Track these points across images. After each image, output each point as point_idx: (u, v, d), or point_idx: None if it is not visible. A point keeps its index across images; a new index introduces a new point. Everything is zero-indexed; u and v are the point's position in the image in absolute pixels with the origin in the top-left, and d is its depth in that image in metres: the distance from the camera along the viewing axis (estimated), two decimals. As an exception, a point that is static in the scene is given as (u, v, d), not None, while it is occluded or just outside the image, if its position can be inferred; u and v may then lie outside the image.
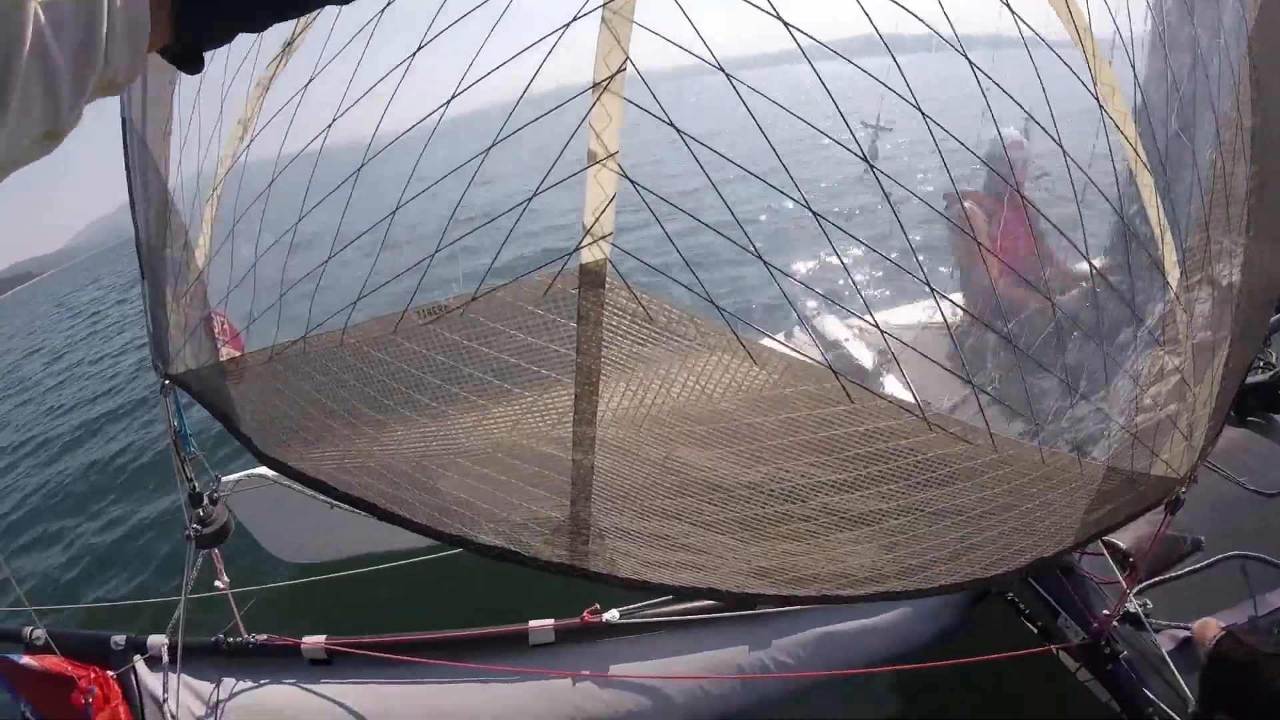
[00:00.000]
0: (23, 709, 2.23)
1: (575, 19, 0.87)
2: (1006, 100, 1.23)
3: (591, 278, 0.97)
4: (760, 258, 0.91)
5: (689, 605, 2.42)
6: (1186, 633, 1.94)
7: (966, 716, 2.52)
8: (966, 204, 2.86)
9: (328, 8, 0.65)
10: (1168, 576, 2.12)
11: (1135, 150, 1.16)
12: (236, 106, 1.38)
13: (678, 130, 0.90)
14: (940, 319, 1.44)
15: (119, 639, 2.33)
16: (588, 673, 2.32)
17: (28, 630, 2.32)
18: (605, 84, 0.89)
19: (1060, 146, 1.06)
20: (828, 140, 1.27)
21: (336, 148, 1.19)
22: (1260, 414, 2.61)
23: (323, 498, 1.35)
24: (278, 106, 1.27)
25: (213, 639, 2.35)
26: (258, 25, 0.62)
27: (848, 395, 1.07)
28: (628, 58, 0.88)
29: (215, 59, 1.29)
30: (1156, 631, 1.95)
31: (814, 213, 0.99)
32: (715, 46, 0.92)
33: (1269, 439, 2.53)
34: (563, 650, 2.36)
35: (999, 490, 1.29)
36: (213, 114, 1.40)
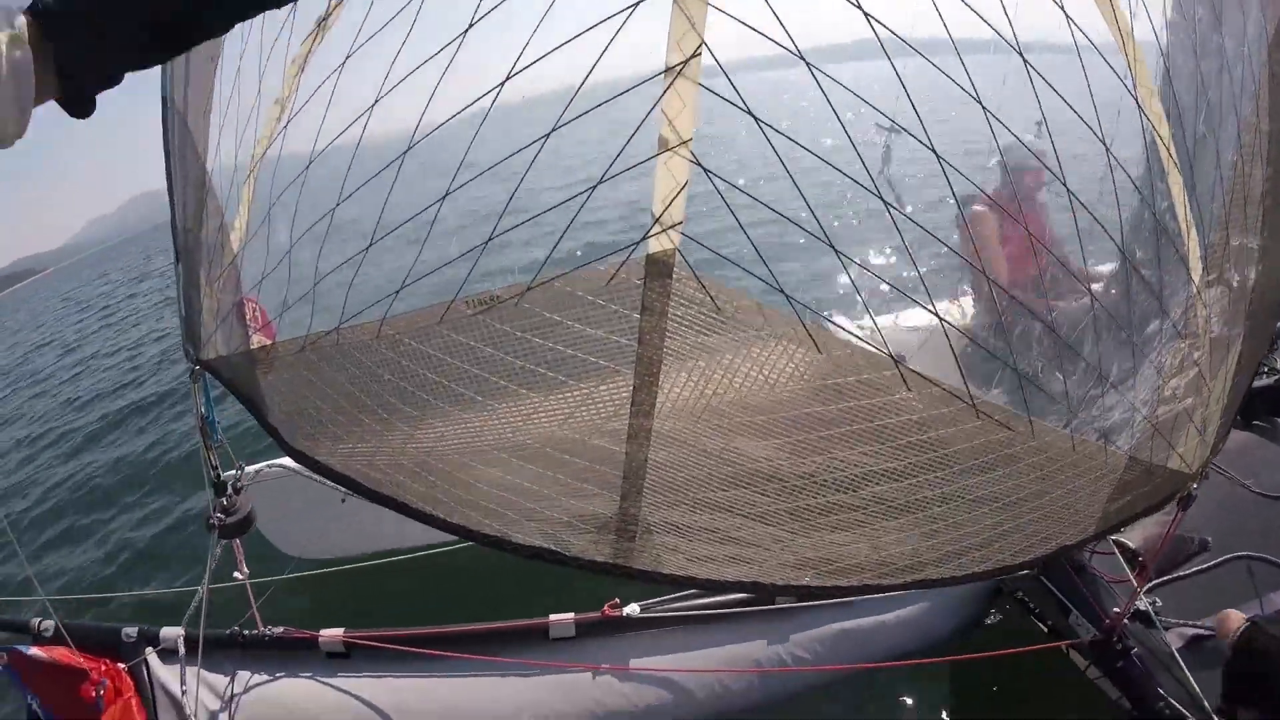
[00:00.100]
0: (30, 701, 2.16)
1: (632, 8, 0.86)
2: (1021, 103, 1.24)
3: (659, 268, 0.96)
4: (833, 247, 0.91)
5: (709, 600, 2.41)
6: (1196, 630, 1.97)
7: (978, 714, 2.53)
8: (977, 207, 2.90)
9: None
10: (1175, 576, 2.15)
11: (1169, 150, 1.19)
12: (275, 85, 1.34)
13: (756, 119, 0.89)
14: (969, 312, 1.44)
15: (130, 631, 2.27)
16: (607, 666, 2.30)
17: (36, 621, 2.24)
18: (679, 68, 0.87)
19: (1102, 143, 1.08)
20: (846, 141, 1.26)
21: (377, 133, 1.16)
22: (1265, 418, 2.67)
23: (341, 489, 1.31)
24: (314, 86, 1.23)
25: (228, 631, 2.29)
26: (145, 65, 0.65)
27: (905, 383, 1.07)
28: (703, 42, 0.87)
29: (251, 34, 1.25)
30: (1166, 629, 1.97)
31: (893, 208, 0.98)
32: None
33: (1274, 443, 2.59)
34: (583, 644, 2.34)
35: (1032, 477, 1.30)
36: (252, 93, 1.35)
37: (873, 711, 2.61)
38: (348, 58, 1.04)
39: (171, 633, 2.28)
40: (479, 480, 1.26)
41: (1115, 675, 2.06)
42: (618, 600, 2.41)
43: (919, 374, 1.08)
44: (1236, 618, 1.42)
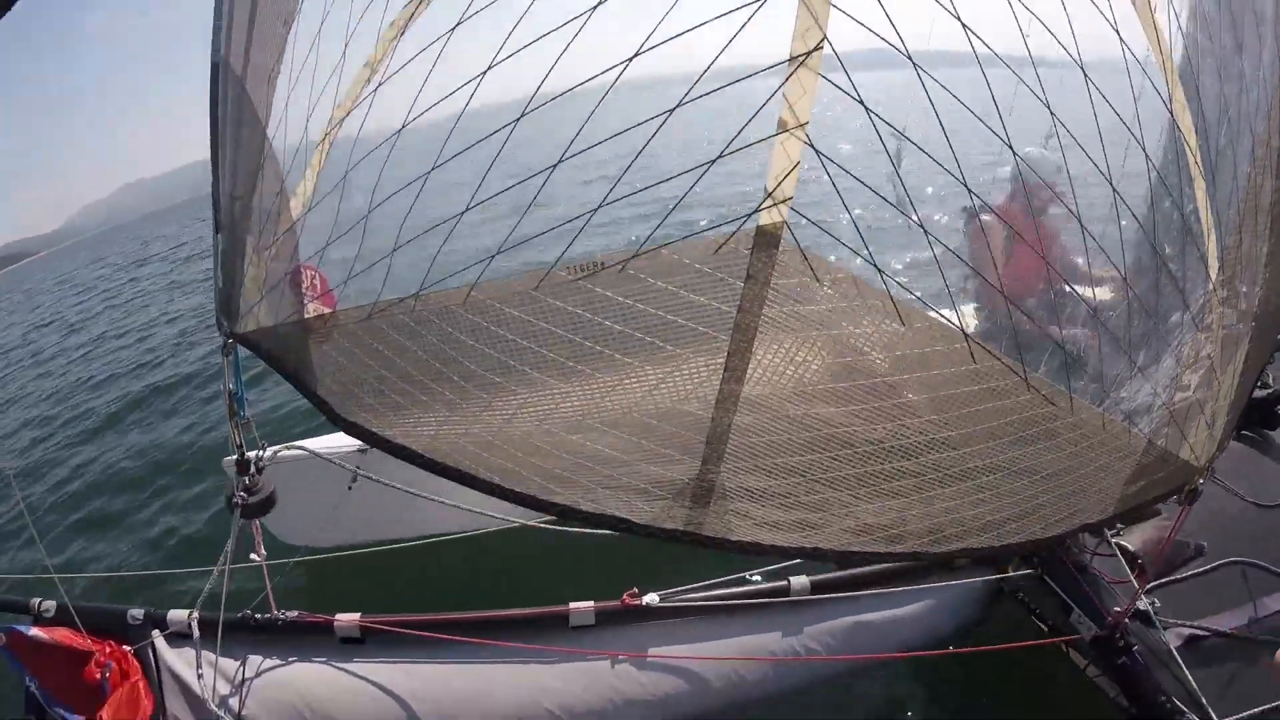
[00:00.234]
0: (29, 684, 2.12)
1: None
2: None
3: (767, 239, 1.07)
4: (925, 230, 1.04)
5: (726, 591, 2.52)
6: (1193, 630, 2.15)
7: (980, 710, 2.68)
8: (985, 217, 3.10)
9: None
10: (1173, 578, 2.33)
11: (1196, 160, 1.37)
12: (363, 49, 1.40)
13: (869, 110, 1.01)
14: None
15: (137, 612, 2.25)
16: (626, 655, 2.38)
17: (36, 601, 2.21)
18: (802, 59, 0.99)
19: (1143, 150, 1.24)
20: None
21: (471, 103, 1.23)
22: (1255, 429, 2.91)
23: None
24: (411, 53, 1.30)
25: (240, 615, 2.29)
26: None
27: (972, 356, 1.20)
28: (825, 36, 0.99)
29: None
30: (1164, 629, 2.14)
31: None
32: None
33: (1264, 454, 2.83)
34: (602, 632, 2.41)
35: (1068, 452, 1.45)
36: (332, 58, 1.41)
37: (880, 704, 2.74)
38: (459, 23, 1.12)
39: (179, 615, 2.28)
40: (559, 447, 1.34)
41: (1115, 672, 2.21)
42: (636, 590, 2.49)
43: (983, 346, 1.22)
44: None
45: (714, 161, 1.04)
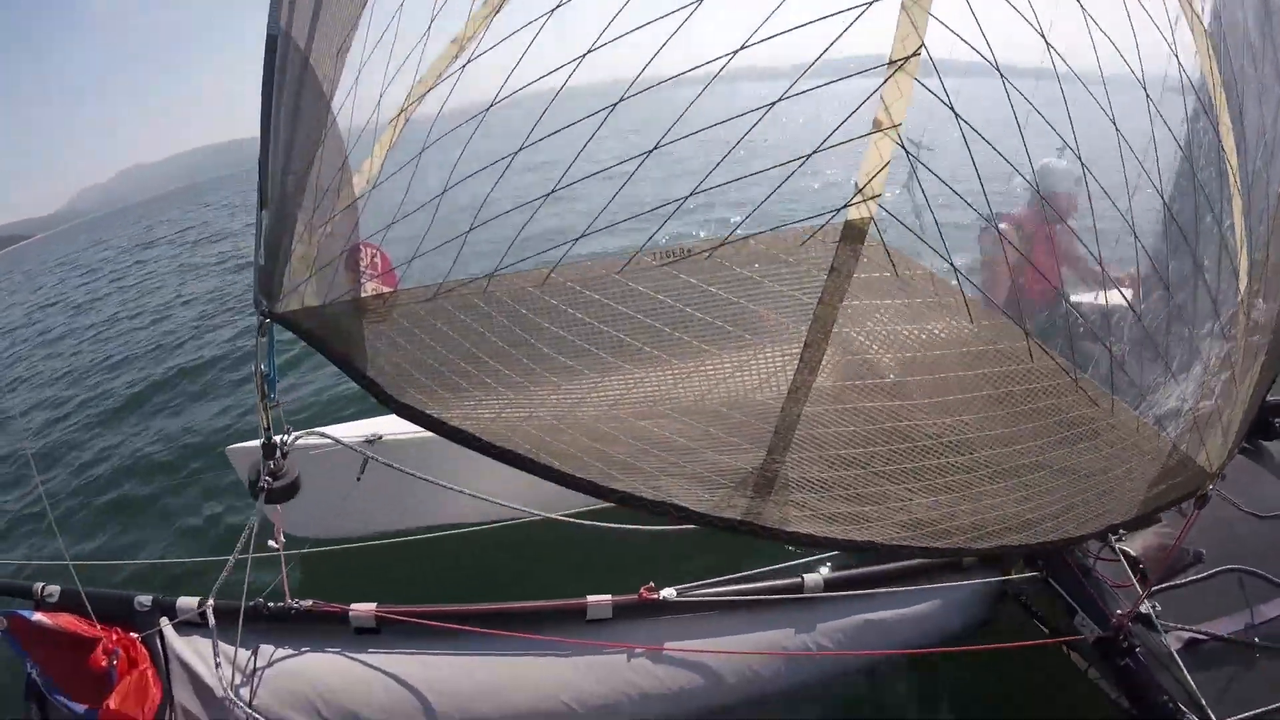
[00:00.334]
0: (29, 670, 2.09)
1: (872, 2, 1.05)
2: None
3: (854, 233, 1.14)
4: (1002, 235, 1.11)
5: (741, 586, 2.59)
6: (1193, 634, 2.28)
7: (983, 709, 2.79)
8: (1003, 226, 3.23)
9: None
10: (1174, 584, 2.47)
11: (1235, 178, 1.49)
12: (449, 26, 1.43)
13: (958, 116, 1.09)
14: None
15: (144, 599, 2.24)
16: (642, 648, 2.43)
17: (38, 586, 2.18)
18: (901, 63, 1.07)
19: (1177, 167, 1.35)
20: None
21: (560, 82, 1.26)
22: (1251, 441, 3.08)
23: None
24: (504, 31, 1.33)
25: (252, 603, 2.28)
26: None
27: (1030, 355, 1.29)
28: (923, 44, 1.07)
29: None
30: (1165, 632, 2.27)
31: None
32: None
33: (1260, 465, 3.01)
34: (619, 626, 2.47)
35: (1104, 454, 1.56)
36: (413, 35, 1.43)
37: (888, 703, 2.84)
38: (560, 4, 1.16)
39: (189, 602, 2.27)
40: (627, 433, 1.39)
41: (1117, 673, 2.33)
42: (652, 584, 2.55)
43: (1041, 346, 1.31)
44: None
45: (808, 157, 1.11)
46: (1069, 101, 1.28)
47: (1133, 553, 2.57)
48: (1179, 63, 1.23)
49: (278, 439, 1.93)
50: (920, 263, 1.21)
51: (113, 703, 2.02)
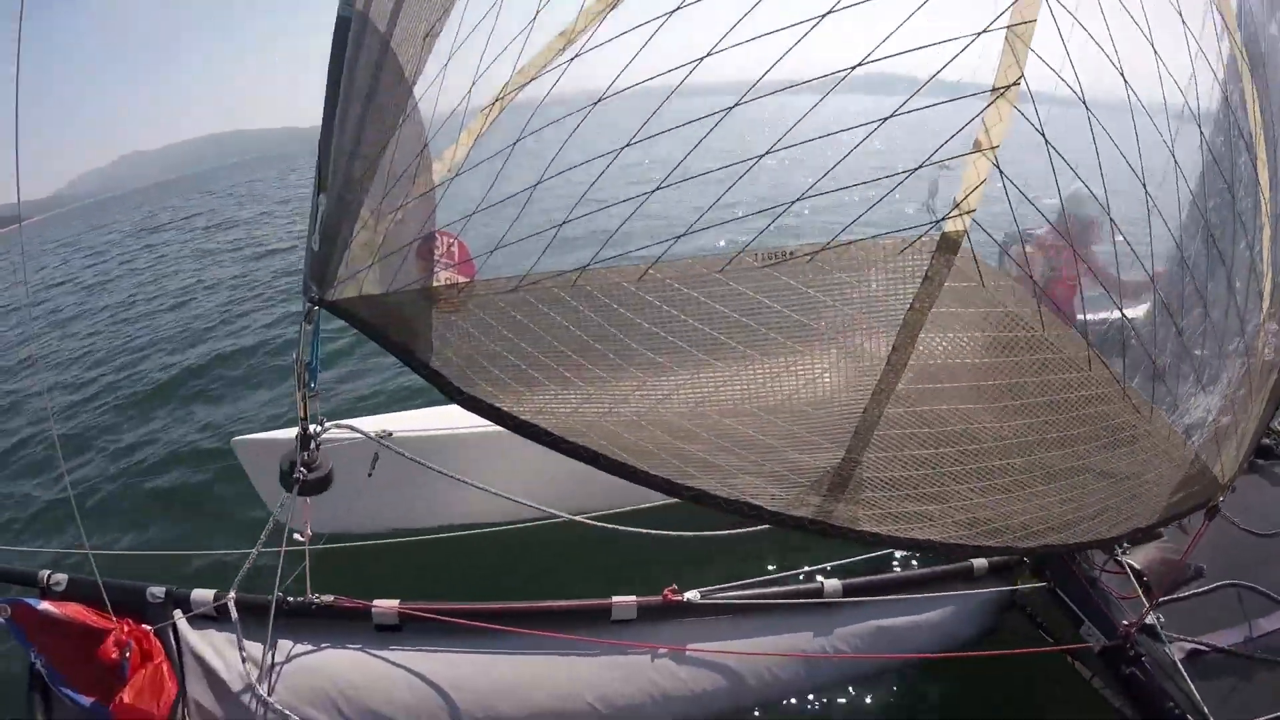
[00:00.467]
0: (34, 660, 2.11)
1: (985, 30, 1.23)
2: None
3: (948, 244, 1.31)
4: (1073, 246, 1.30)
5: (763, 590, 2.77)
6: (1195, 645, 2.53)
7: (991, 714, 3.01)
8: (1027, 248, 3.49)
9: None
10: (1175, 597, 2.73)
11: (1267, 207, 1.72)
12: (554, 19, 1.53)
13: (1047, 141, 1.27)
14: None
15: (157, 590, 2.28)
16: (666, 648, 2.57)
17: (45, 574, 2.21)
18: (1002, 91, 1.24)
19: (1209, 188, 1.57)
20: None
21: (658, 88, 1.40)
22: (1248, 460, 3.38)
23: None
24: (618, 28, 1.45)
25: (270, 597, 2.33)
26: None
27: (1089, 364, 1.49)
28: (1022, 75, 1.25)
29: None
30: (1169, 642, 2.50)
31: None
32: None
33: (1256, 484, 3.31)
34: (643, 627, 2.60)
35: (1140, 460, 1.77)
36: (515, 24, 1.53)
37: (898, 707, 3.04)
38: (680, 6, 1.29)
39: (204, 595, 2.31)
40: (710, 430, 1.53)
41: (1122, 681, 2.56)
42: (676, 586, 2.69)
43: (1098, 354, 1.50)
44: None
45: (912, 171, 1.27)
46: (1115, 130, 1.49)
47: (1137, 566, 2.83)
48: (1228, 104, 1.44)
49: (313, 428, 2.00)
50: (1005, 273, 1.39)
51: (127, 697, 2.06)
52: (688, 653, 2.62)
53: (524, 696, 2.46)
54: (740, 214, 1.41)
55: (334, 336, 6.92)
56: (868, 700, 3.02)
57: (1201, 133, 1.47)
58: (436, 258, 1.75)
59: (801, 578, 3.04)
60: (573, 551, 3.23)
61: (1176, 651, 2.51)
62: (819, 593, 2.80)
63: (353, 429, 2.39)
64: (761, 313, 1.42)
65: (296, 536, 2.23)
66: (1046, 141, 1.29)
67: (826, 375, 1.49)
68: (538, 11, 1.48)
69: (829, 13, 1.23)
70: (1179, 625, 2.64)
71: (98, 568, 2.17)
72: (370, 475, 2.95)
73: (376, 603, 2.41)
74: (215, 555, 2.99)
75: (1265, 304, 1.81)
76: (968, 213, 1.30)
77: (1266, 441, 3.49)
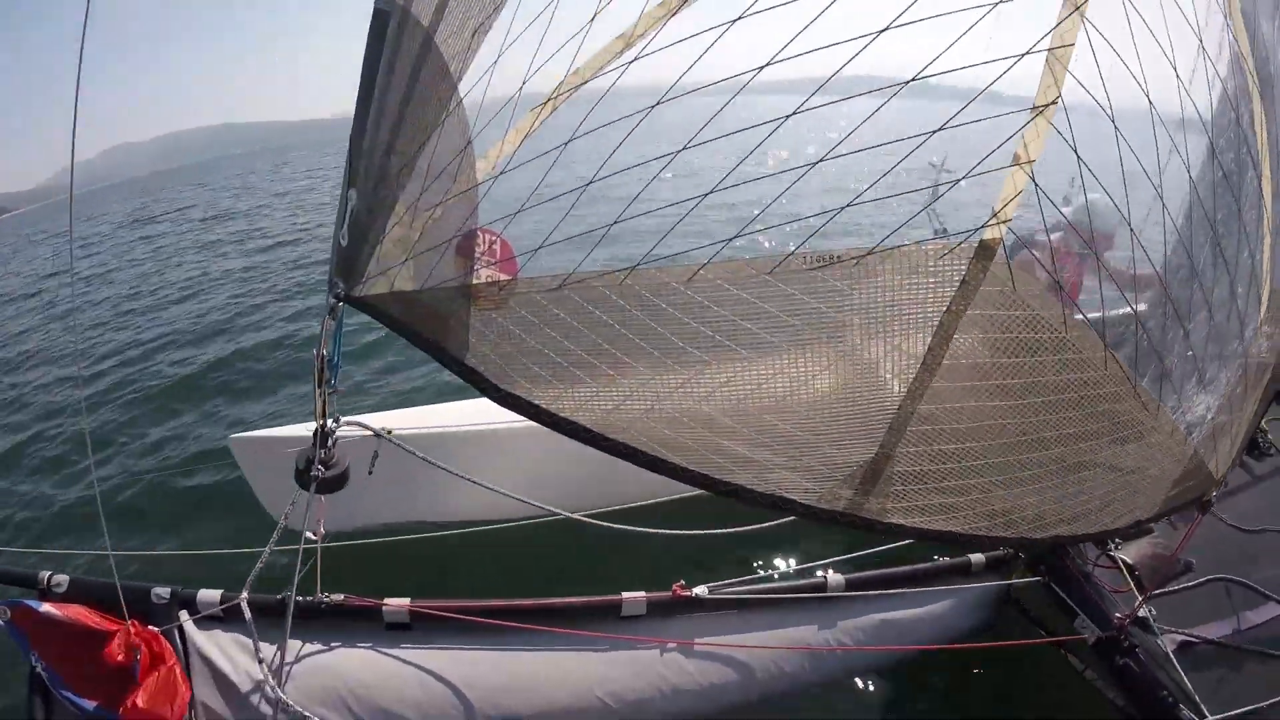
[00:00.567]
0: (34, 664, 2.15)
1: (1028, 53, 1.38)
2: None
3: (986, 251, 1.47)
4: (1095, 253, 1.47)
5: (768, 585, 2.93)
6: (1186, 637, 2.76)
7: (987, 707, 3.23)
8: (1035, 252, 3.69)
9: None
10: (1165, 591, 2.97)
11: (1269, 220, 1.92)
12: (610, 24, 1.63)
13: (1079, 158, 1.43)
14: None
15: (162, 591, 2.33)
16: (674, 643, 2.71)
17: (45, 575, 2.24)
18: (1041, 110, 1.40)
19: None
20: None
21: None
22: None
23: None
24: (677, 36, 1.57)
25: (279, 597, 2.40)
26: None
27: (1104, 364, 1.66)
28: (1059, 96, 1.40)
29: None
30: (1160, 634, 2.72)
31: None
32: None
33: (1243, 481, 3.58)
34: (652, 622, 2.74)
35: (1145, 455, 1.96)
36: (572, 21, 1.63)
37: (900, 697, 3.25)
38: (740, 17, 1.41)
39: (210, 595, 2.37)
40: (750, 426, 1.66)
41: (1116, 671, 2.78)
42: (684, 581, 2.83)
43: (1113, 355, 1.68)
44: None
45: (958, 181, 1.42)
46: (1132, 139, 1.67)
47: (1129, 561, 3.07)
48: (1237, 120, 1.63)
49: (332, 425, 2.07)
50: (1034, 278, 1.55)
51: (140, 700, 2.11)
52: (696, 647, 2.77)
53: (536, 692, 2.58)
54: (767, 219, 1.54)
55: (370, 327, 7.06)
56: (869, 691, 3.21)
57: (1214, 149, 1.66)
58: (478, 255, 1.84)
59: (805, 573, 3.22)
60: (575, 550, 3.36)
61: (1168, 643, 2.73)
62: (822, 587, 2.98)
63: (362, 425, 2.46)
64: (807, 313, 1.55)
65: (309, 535, 2.30)
66: (1079, 158, 1.45)
67: (866, 373, 1.64)
68: (595, 13, 1.58)
69: (885, 29, 1.36)
70: (1170, 618, 2.88)
71: (94, 570, 2.21)
72: (370, 473, 3.01)
73: (387, 601, 2.49)
74: (221, 555, 3.02)
75: (1263, 308, 2.02)
76: (1004, 222, 1.45)
77: (1259, 438, 3.79)
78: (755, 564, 3.52)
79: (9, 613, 2.14)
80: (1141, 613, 2.79)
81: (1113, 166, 1.59)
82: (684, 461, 1.70)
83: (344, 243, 1.74)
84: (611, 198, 1.67)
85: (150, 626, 2.25)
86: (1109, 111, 1.45)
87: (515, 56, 1.70)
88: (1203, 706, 2.48)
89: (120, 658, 2.16)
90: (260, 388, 7.01)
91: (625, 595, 2.74)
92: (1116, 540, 3.15)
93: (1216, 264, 1.85)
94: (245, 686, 2.30)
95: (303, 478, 2.02)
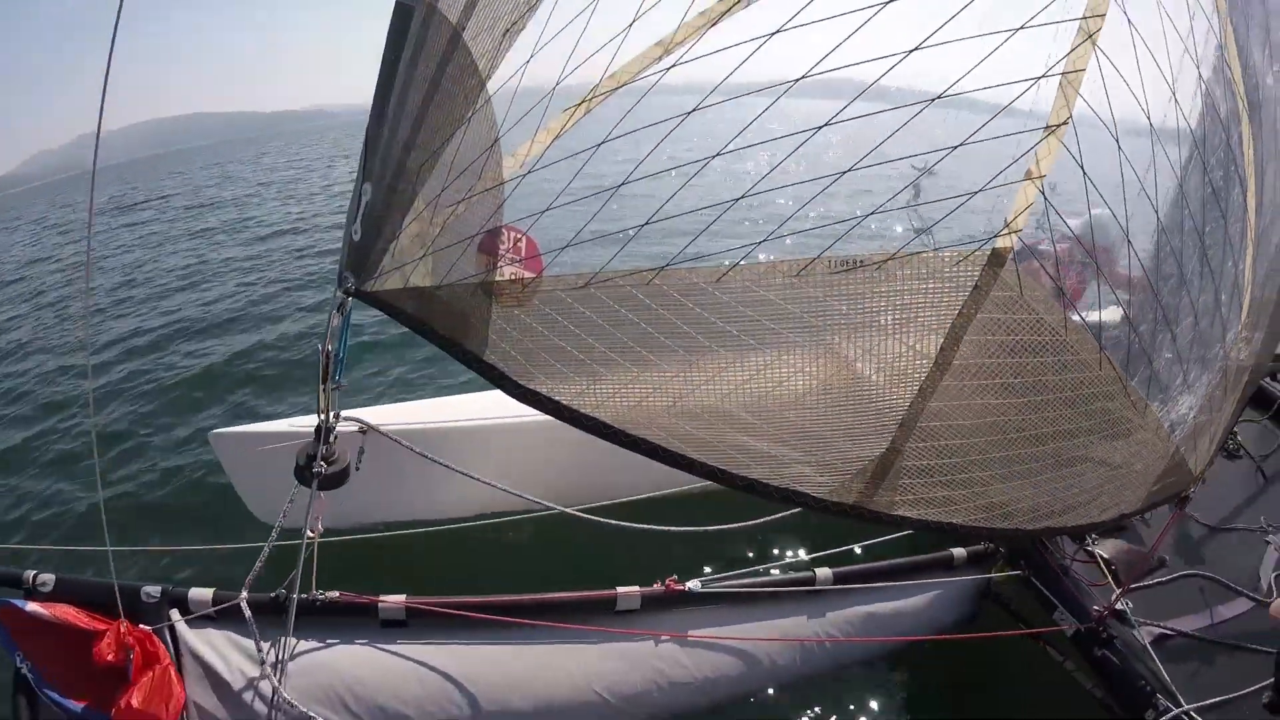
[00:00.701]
0: (19, 663, 2.21)
1: (1044, 76, 1.58)
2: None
3: (997, 258, 1.67)
4: (1096, 262, 1.69)
5: (759, 579, 3.14)
6: (1161, 630, 3.05)
7: (973, 697, 3.50)
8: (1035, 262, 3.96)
9: None
10: (1140, 585, 3.26)
11: (1252, 232, 2.17)
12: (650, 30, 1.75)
13: (1085, 174, 1.64)
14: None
15: (152, 589, 2.40)
16: (668, 636, 2.90)
17: (30, 574, 2.30)
18: (1053, 129, 1.60)
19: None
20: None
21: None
22: None
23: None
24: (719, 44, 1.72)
25: (274, 594, 2.49)
26: None
27: (1100, 365, 1.89)
28: (1070, 118, 1.60)
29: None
30: (1137, 626, 3.00)
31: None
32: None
33: (1214, 480, 3.91)
34: (646, 616, 2.92)
35: (1132, 451, 2.21)
36: (610, 24, 1.75)
37: (885, 688, 3.50)
38: (780, 30, 1.57)
39: (202, 594, 2.46)
40: (770, 422, 1.84)
41: (1094, 662, 3.06)
42: (677, 576, 3.02)
43: (1108, 357, 1.90)
44: None
45: (973, 194, 1.61)
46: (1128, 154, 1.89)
47: (1106, 555, 3.37)
48: (1227, 141, 1.86)
49: (332, 421, 2.17)
50: (1039, 284, 1.76)
51: (134, 701, 2.19)
52: (690, 640, 2.96)
53: (533, 687, 2.74)
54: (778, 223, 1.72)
55: (367, 327, 7.51)
56: (856, 682, 3.45)
57: (1205, 167, 1.89)
58: (502, 252, 1.95)
59: (795, 567, 3.44)
60: (569, 545, 3.51)
61: (1145, 635, 3.02)
62: (811, 581, 3.20)
63: (349, 419, 2.56)
64: (830, 315, 1.73)
65: (308, 532, 2.39)
66: (1085, 174, 1.66)
67: (882, 372, 1.83)
68: (634, 19, 1.71)
69: (917, 48, 1.53)
70: (1146, 611, 3.17)
71: (77, 569, 2.28)
72: (358, 469, 3.10)
73: (383, 598, 2.62)
74: (216, 552, 3.08)
75: (1244, 314, 2.28)
76: (1015, 232, 1.65)
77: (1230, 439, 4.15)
78: (747, 559, 3.72)
79: None
80: (1119, 606, 3.07)
81: (1106, 178, 1.82)
82: (703, 456, 1.87)
83: (356, 237, 1.82)
84: (630, 195, 1.81)
85: (142, 626, 2.33)
86: (1113, 130, 1.66)
87: (550, 56, 1.82)
88: (1179, 696, 2.75)
89: (112, 657, 2.24)
90: (288, 378, 7.12)
91: (620, 590, 2.91)
92: (1094, 535, 3.45)
93: (1203, 273, 2.09)
94: (240, 685, 2.40)
95: (303, 474, 2.12)
